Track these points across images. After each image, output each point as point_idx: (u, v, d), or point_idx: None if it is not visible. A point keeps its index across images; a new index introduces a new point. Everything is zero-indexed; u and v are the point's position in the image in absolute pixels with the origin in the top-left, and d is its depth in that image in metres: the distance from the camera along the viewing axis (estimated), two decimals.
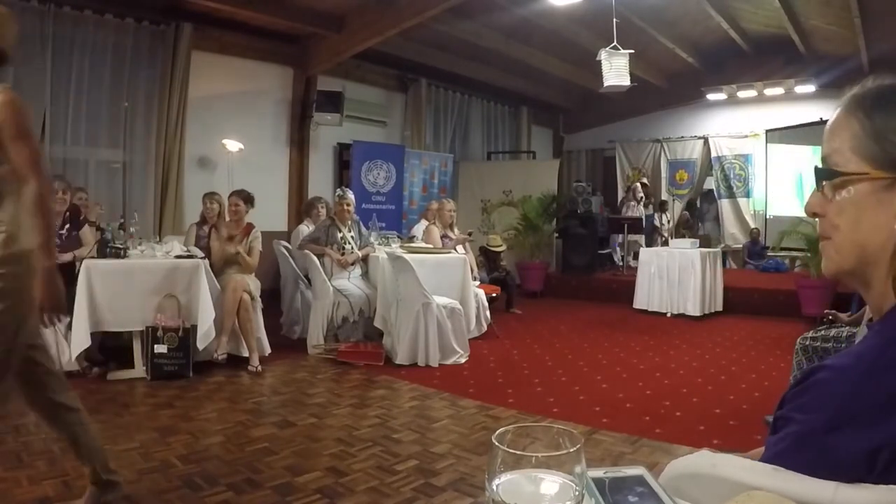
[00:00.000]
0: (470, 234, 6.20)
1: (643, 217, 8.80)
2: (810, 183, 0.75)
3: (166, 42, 5.98)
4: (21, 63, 5.17)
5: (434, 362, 4.43)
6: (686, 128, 10.40)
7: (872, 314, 0.71)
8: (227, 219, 4.68)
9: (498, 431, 0.54)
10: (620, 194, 9.57)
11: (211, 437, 2.96)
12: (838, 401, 0.61)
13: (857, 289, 0.71)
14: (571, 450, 0.53)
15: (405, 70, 8.34)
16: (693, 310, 6.48)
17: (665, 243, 8.02)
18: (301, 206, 6.65)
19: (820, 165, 0.71)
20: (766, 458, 0.67)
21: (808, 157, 8.51)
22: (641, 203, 9.12)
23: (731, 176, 10.03)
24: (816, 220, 0.75)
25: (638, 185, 9.43)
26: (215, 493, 2.33)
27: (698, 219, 10.52)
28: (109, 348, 4.17)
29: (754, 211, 9.87)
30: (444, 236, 5.84)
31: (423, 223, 6.45)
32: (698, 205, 10.77)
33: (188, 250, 4.44)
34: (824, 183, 0.69)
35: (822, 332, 2.97)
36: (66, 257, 3.93)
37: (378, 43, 6.50)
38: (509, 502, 0.52)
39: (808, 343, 2.95)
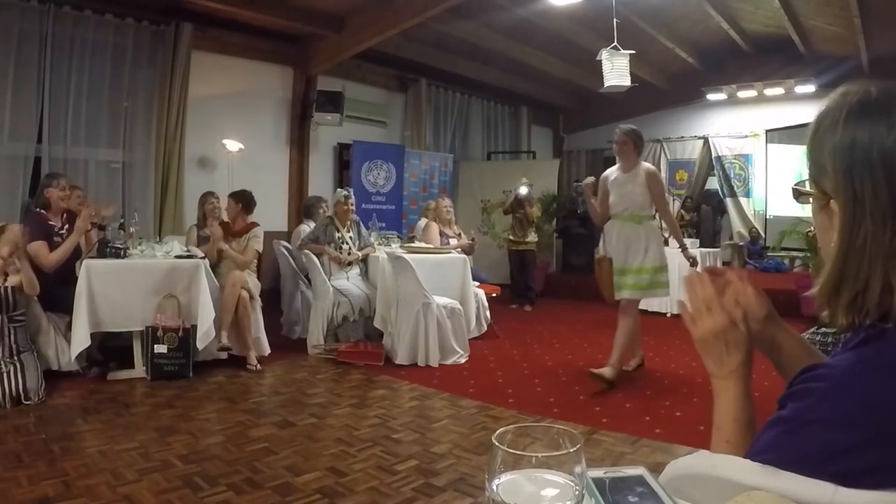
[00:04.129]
0: (473, 240, 6.15)
1: None
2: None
3: (166, 42, 5.97)
4: (21, 63, 5.17)
5: (434, 362, 4.43)
6: (686, 128, 10.40)
7: None
8: (216, 218, 4.72)
9: (498, 431, 0.54)
10: None
11: (211, 437, 2.96)
12: (819, 398, 0.63)
13: None
14: (571, 450, 0.53)
15: (405, 70, 8.34)
16: None
17: (665, 243, 8.00)
18: (301, 207, 6.64)
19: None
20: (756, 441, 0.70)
21: None
22: None
23: (732, 176, 10.02)
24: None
25: None
26: (215, 493, 2.34)
27: (700, 218, 10.46)
28: (109, 348, 4.17)
29: (754, 211, 9.87)
30: (441, 234, 5.85)
31: (423, 222, 6.45)
32: (703, 206, 10.68)
33: (188, 250, 4.45)
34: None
35: (822, 332, 2.97)
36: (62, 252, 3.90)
37: (378, 43, 6.50)
38: (509, 502, 0.52)
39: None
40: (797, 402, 0.65)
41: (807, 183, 0.74)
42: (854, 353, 0.66)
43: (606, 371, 3.81)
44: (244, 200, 4.77)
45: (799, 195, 0.76)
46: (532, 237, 7.17)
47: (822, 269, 0.73)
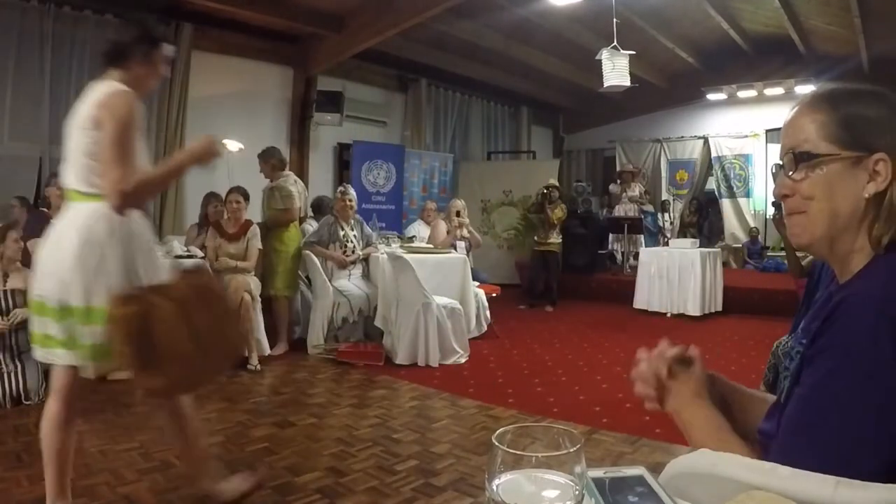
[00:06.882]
0: (458, 216, 6.05)
1: (641, 216, 8.75)
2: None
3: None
4: (21, 63, 5.17)
5: (434, 362, 4.43)
6: (686, 128, 10.40)
7: (838, 274, 0.84)
8: (226, 216, 4.67)
9: (498, 431, 0.54)
10: (614, 189, 9.37)
11: (211, 437, 2.95)
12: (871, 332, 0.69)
13: (822, 254, 0.85)
14: (571, 450, 0.53)
15: (405, 70, 8.34)
16: (693, 310, 6.47)
17: (667, 243, 8.01)
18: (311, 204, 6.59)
19: (784, 157, 0.85)
20: (798, 393, 0.75)
21: None
22: (637, 191, 8.90)
23: (732, 176, 10.02)
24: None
25: (630, 170, 9.24)
26: None
27: (703, 218, 10.44)
28: None
29: (754, 211, 9.86)
30: (447, 232, 5.89)
31: (420, 223, 6.45)
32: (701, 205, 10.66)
33: (188, 250, 4.44)
34: (800, 165, 0.82)
35: None
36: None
37: (378, 43, 6.50)
38: (509, 502, 0.52)
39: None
40: (833, 328, 0.75)
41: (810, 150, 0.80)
42: (867, 282, 0.76)
43: None
44: (248, 197, 4.77)
45: (809, 158, 0.80)
46: (555, 238, 7.27)
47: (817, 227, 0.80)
